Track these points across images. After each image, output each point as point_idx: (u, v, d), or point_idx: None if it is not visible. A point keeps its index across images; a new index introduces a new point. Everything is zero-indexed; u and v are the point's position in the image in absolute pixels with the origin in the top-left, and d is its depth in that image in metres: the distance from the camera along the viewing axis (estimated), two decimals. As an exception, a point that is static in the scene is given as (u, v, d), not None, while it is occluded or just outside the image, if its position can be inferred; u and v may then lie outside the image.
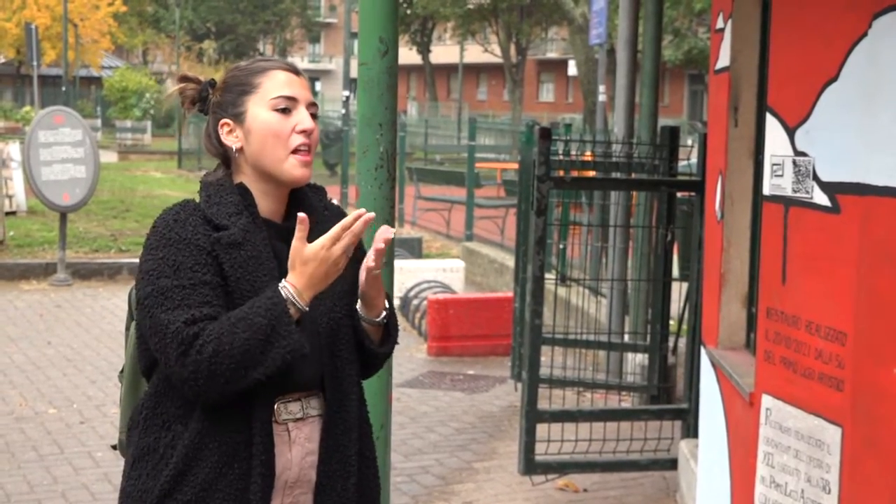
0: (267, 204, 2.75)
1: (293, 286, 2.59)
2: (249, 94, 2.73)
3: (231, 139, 2.75)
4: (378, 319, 2.79)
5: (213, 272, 2.62)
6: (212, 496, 2.62)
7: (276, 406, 2.68)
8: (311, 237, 2.72)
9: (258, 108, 2.72)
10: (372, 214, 2.63)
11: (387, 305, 2.82)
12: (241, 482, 2.63)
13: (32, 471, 6.58)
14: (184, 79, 2.86)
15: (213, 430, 2.62)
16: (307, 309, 2.61)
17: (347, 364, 2.78)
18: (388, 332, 2.86)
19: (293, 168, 2.72)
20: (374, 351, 2.83)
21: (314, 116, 2.76)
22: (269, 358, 2.54)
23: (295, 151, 2.71)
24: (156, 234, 2.66)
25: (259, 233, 2.70)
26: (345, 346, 2.77)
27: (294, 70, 2.78)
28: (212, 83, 2.83)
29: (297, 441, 2.72)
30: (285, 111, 2.71)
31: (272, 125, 2.71)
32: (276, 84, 2.73)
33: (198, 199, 2.73)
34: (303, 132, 2.71)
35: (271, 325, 2.54)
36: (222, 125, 2.76)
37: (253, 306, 2.57)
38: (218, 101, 2.78)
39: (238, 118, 2.74)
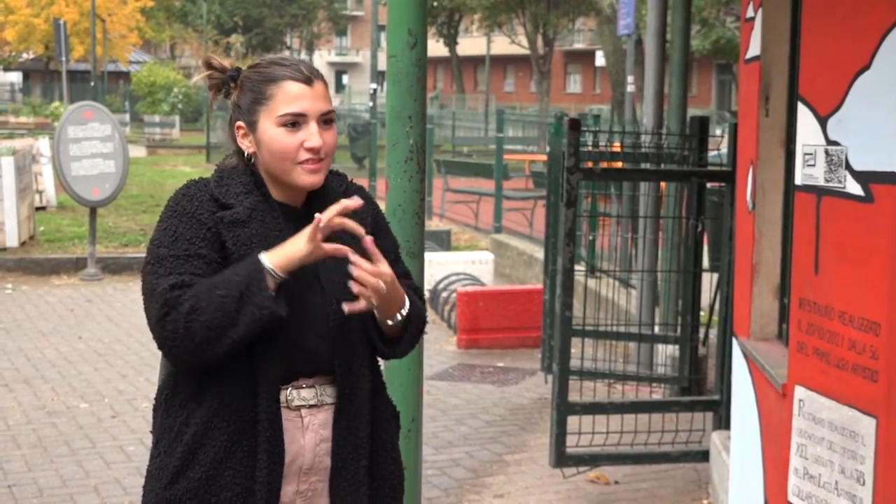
0: (283, 193, 2.78)
1: (271, 254, 2.62)
2: (261, 105, 2.73)
3: (245, 143, 2.78)
4: (390, 322, 2.77)
5: (211, 248, 2.66)
6: (221, 474, 2.67)
7: (288, 391, 2.71)
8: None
9: (267, 123, 2.72)
10: (353, 203, 2.65)
11: (405, 310, 2.78)
12: (250, 461, 2.67)
13: (65, 465, 6.61)
14: (209, 66, 2.86)
15: (222, 409, 2.66)
16: (283, 276, 2.61)
17: (358, 351, 2.78)
18: (406, 331, 2.83)
19: (301, 176, 2.73)
20: (382, 352, 2.85)
21: (330, 122, 2.75)
22: (242, 316, 2.56)
23: (302, 163, 2.71)
24: (166, 208, 2.73)
25: (270, 211, 2.73)
26: (355, 332, 2.77)
27: (307, 79, 2.73)
28: (234, 76, 2.82)
29: (311, 427, 2.74)
30: (294, 125, 2.70)
31: (279, 142, 2.71)
32: (285, 98, 2.71)
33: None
34: (310, 150, 2.70)
35: (246, 283, 2.57)
36: (238, 127, 2.79)
37: (232, 268, 2.62)
38: (236, 101, 2.79)
39: (251, 126, 2.76)
